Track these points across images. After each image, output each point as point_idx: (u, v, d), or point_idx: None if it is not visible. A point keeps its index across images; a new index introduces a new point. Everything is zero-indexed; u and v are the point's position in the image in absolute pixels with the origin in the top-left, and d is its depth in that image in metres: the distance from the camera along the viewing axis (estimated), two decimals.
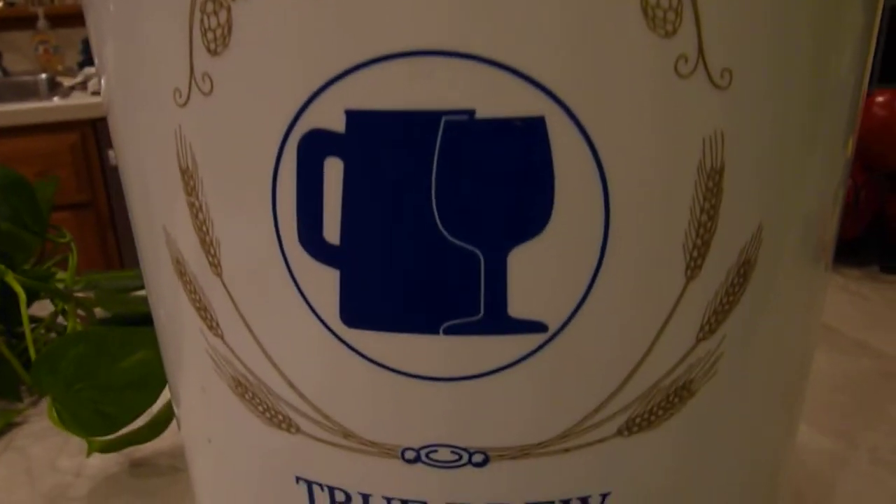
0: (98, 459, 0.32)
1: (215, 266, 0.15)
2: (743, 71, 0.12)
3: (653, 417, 0.15)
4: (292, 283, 0.14)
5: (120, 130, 0.16)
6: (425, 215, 0.13)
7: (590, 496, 0.15)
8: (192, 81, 0.13)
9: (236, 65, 0.13)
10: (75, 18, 1.94)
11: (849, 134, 0.15)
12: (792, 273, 0.15)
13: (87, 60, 1.69)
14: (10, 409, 0.36)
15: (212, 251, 0.15)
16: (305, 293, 0.14)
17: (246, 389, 0.16)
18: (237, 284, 0.15)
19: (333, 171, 0.13)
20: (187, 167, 0.14)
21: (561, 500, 0.15)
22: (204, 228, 0.15)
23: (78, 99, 1.50)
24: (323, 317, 0.14)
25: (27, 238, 0.38)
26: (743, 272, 0.14)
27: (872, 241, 0.48)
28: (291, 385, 0.15)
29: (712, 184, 0.13)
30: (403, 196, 0.13)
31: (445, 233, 0.13)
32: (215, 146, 0.14)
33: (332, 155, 0.13)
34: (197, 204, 0.14)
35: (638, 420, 0.15)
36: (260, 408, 0.16)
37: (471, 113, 0.12)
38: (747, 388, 0.15)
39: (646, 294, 0.14)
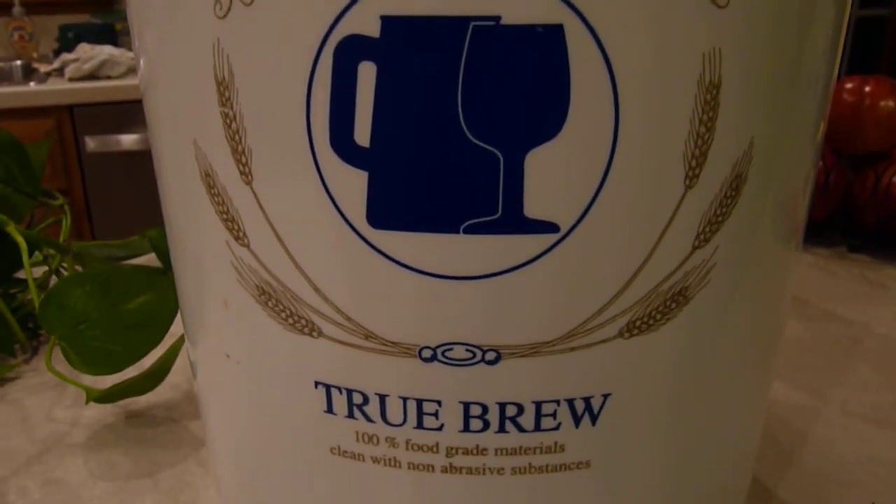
0: (94, 410, 0.33)
1: (246, 175, 0.16)
2: None
3: (651, 321, 0.16)
4: (322, 187, 0.15)
5: (153, 50, 0.17)
6: (451, 116, 0.14)
7: (592, 396, 0.16)
8: None
9: None
10: (52, 6, 1.91)
11: (831, 65, 0.16)
12: (779, 192, 0.16)
13: (64, 48, 1.66)
14: (4, 364, 0.36)
15: (243, 160, 0.16)
16: (334, 196, 0.15)
17: (269, 297, 0.17)
18: (267, 191, 0.16)
19: (367, 75, 0.14)
20: (223, 78, 0.15)
21: (566, 399, 0.16)
22: (236, 138, 0.15)
23: (54, 85, 1.48)
24: (350, 219, 0.15)
25: (20, 200, 0.39)
26: (735, 185, 0.15)
27: (840, 222, 0.50)
28: (316, 289, 0.16)
29: (710, 97, 0.14)
30: (431, 98, 0.14)
31: (469, 134, 0.14)
32: (253, 56, 0.15)
33: (366, 59, 0.14)
34: (231, 114, 0.15)
35: (638, 323, 0.16)
36: (283, 314, 0.17)
37: (497, 19, 0.13)
38: (738, 299, 0.17)
39: (649, 200, 0.15)
